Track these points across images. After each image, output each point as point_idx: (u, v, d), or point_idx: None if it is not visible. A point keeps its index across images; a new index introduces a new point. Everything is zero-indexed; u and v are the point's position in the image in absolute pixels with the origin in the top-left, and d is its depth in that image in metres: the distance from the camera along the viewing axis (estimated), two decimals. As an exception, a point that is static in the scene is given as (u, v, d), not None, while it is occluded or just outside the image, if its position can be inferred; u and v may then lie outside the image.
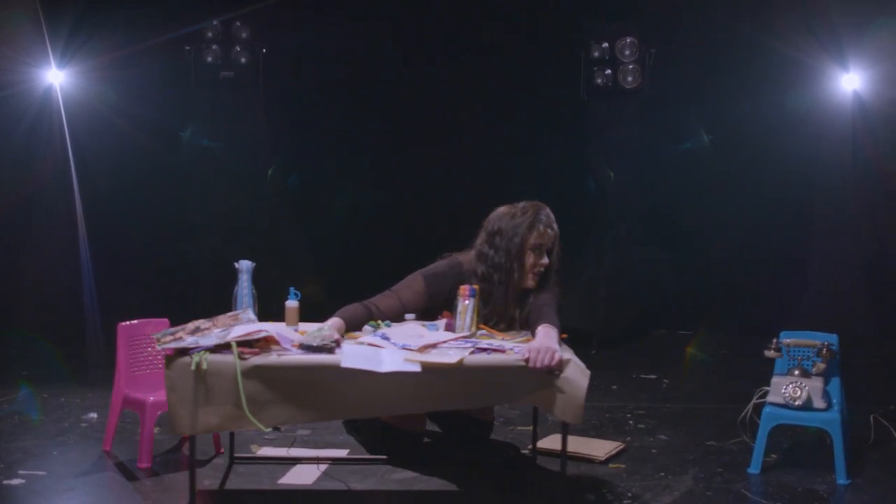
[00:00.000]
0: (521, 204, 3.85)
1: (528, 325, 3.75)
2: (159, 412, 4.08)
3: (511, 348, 3.46)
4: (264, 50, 7.06)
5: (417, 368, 3.29)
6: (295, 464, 4.14)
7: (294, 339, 3.48)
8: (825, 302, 7.27)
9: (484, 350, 3.44)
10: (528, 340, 3.55)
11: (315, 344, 3.38)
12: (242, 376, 3.23)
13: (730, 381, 5.86)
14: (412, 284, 3.84)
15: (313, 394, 3.32)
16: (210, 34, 6.97)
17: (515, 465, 4.30)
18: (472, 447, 4.29)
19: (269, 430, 3.63)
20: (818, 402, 4.05)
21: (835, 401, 4.13)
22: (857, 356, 5.43)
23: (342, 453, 4.29)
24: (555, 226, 3.82)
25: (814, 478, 4.08)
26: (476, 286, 3.71)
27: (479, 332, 3.68)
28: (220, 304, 4.05)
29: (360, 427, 4.30)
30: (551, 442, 4.40)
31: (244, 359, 3.27)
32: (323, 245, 7.71)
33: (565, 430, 3.46)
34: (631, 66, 6.98)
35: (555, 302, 3.76)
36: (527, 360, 3.33)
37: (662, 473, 4.15)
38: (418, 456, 4.17)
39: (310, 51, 7.54)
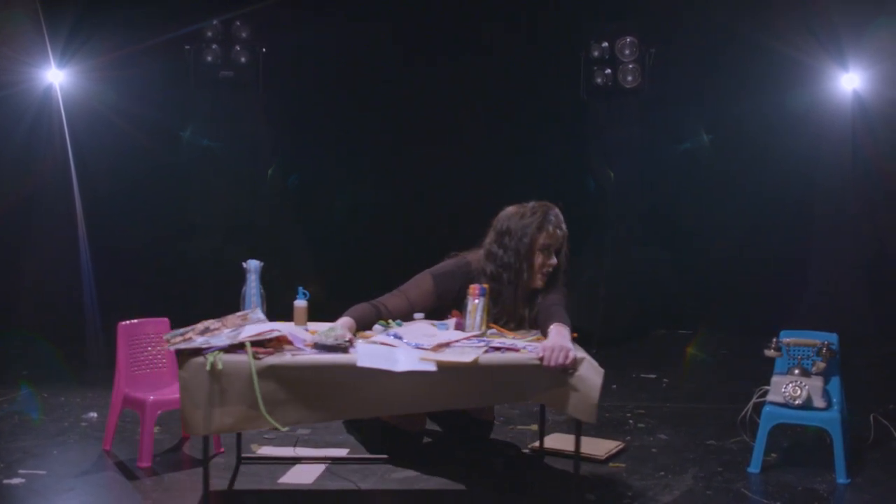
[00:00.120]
0: (531, 204, 3.85)
1: (536, 325, 3.75)
2: (159, 412, 4.09)
3: (524, 347, 3.44)
4: (264, 50, 7.05)
5: (433, 368, 3.28)
6: (296, 463, 4.14)
7: (306, 339, 3.46)
8: (825, 302, 7.27)
9: (497, 349, 3.43)
10: (538, 339, 3.55)
11: (329, 343, 3.37)
12: (257, 376, 3.23)
13: (730, 381, 5.86)
14: (420, 284, 3.82)
15: (328, 393, 3.32)
16: (210, 34, 6.97)
17: (516, 465, 4.29)
18: (472, 447, 4.29)
19: (287, 429, 3.63)
20: (818, 402, 4.05)
21: (835, 400, 4.13)
22: (857, 356, 5.42)
23: (342, 453, 4.29)
24: (564, 226, 3.82)
25: (814, 477, 4.08)
26: (486, 285, 3.71)
27: (490, 332, 3.67)
28: (221, 303, 4.05)
29: (361, 426, 4.31)
30: (551, 441, 4.42)
31: (258, 359, 3.26)
32: (323, 245, 7.70)
33: (578, 428, 3.48)
34: (631, 66, 6.97)
35: (563, 301, 3.76)
36: (541, 359, 3.33)
37: (662, 473, 4.15)
38: (418, 455, 4.17)
39: (310, 51, 7.53)
